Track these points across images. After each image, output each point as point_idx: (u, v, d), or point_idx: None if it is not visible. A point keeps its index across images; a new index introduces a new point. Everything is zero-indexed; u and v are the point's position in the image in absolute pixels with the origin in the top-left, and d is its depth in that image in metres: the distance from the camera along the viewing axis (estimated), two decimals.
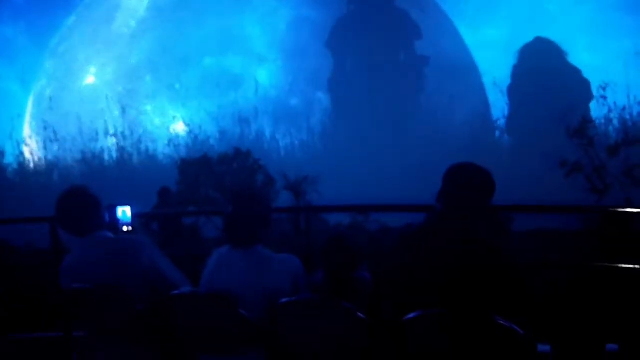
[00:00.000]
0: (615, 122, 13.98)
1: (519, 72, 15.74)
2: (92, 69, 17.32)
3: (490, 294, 2.18)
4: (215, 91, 16.42)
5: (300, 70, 16.59)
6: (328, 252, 2.73)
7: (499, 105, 16.25)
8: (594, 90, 14.15)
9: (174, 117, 16.46)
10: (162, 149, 16.02)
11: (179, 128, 16.41)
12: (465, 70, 16.21)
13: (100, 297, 2.52)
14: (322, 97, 16.80)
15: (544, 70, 14.71)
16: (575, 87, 14.63)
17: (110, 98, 16.20)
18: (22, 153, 16.37)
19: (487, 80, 16.46)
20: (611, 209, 5.21)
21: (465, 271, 2.19)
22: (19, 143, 16.46)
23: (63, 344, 3.57)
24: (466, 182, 2.31)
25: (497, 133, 16.29)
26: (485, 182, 2.31)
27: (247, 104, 16.32)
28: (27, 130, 16.98)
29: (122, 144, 16.13)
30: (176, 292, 2.45)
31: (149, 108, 16.87)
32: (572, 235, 6.87)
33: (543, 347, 2.23)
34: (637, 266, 3.92)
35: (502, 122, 16.26)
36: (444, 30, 16.72)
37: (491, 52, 16.18)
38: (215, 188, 10.17)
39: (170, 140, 15.91)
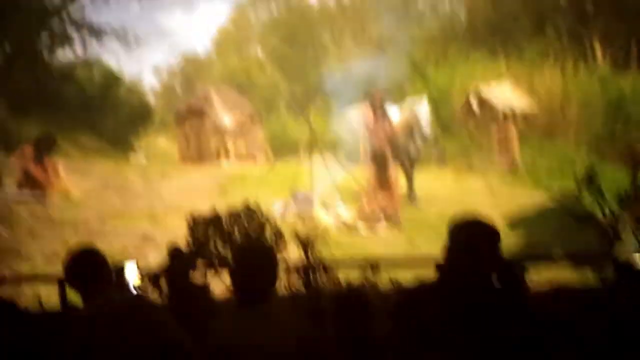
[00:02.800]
0: None
1: None
2: None
3: (511, 348, 2.14)
4: None
5: None
6: (343, 307, 2.68)
7: None
8: None
9: None
10: None
11: None
12: None
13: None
14: None
15: None
16: None
17: None
18: None
19: None
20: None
21: (484, 326, 2.16)
22: None
23: None
24: (471, 238, 2.32)
25: None
26: (490, 235, 2.31)
27: None
28: None
29: None
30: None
31: None
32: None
33: None
34: None
35: None
36: None
37: None
38: (224, 245, 10.11)
39: None
